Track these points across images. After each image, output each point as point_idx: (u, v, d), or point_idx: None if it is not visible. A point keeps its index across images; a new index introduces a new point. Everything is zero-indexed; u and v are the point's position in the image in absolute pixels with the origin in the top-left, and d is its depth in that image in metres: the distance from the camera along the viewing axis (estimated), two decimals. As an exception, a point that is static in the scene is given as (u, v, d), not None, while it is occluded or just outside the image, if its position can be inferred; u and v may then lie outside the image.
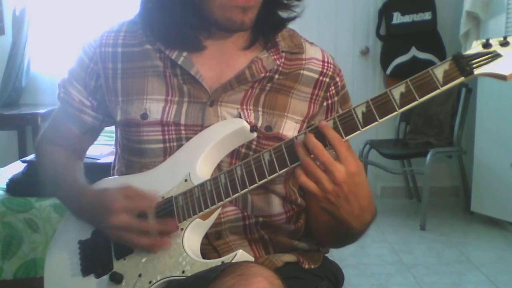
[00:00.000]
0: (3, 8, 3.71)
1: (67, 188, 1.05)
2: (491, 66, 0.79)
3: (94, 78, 1.05)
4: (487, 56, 0.79)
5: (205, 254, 0.94)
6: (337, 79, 1.05)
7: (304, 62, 1.03)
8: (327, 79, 1.04)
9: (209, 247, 0.98)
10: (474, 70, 0.79)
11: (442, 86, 0.80)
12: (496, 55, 0.79)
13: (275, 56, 1.00)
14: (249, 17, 0.93)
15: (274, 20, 1.02)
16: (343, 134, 0.84)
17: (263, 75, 0.99)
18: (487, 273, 2.57)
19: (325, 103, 1.04)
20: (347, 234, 0.93)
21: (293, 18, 1.02)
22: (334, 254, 1.12)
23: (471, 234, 3.16)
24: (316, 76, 1.03)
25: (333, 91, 1.04)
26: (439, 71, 0.80)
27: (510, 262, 2.73)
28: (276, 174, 0.87)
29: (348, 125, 0.84)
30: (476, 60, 0.79)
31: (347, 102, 1.07)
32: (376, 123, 0.83)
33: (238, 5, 0.91)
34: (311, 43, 1.08)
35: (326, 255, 1.12)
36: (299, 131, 1.00)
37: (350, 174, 0.81)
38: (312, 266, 1.05)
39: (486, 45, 0.81)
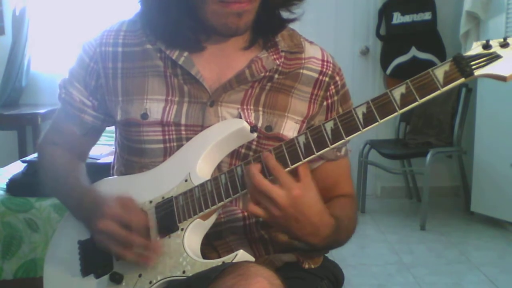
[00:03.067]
0: (3, 8, 3.71)
1: (68, 188, 1.05)
2: (491, 67, 0.79)
3: (94, 78, 1.05)
4: (487, 57, 0.80)
5: (205, 254, 0.93)
6: (337, 78, 1.05)
7: (303, 61, 1.03)
8: (327, 78, 1.03)
9: (209, 247, 0.99)
10: (474, 71, 0.79)
11: (442, 87, 0.80)
12: (496, 56, 0.79)
13: (274, 56, 1.00)
14: (244, 22, 0.93)
15: (274, 20, 1.02)
16: (344, 134, 0.84)
17: (263, 74, 0.99)
18: (487, 273, 2.57)
19: (325, 103, 1.04)
20: (315, 249, 0.98)
21: (293, 20, 1.02)
22: (334, 254, 1.12)
23: (471, 234, 3.16)
24: (316, 75, 1.03)
25: (333, 90, 1.04)
26: (440, 72, 0.80)
27: (510, 262, 2.73)
28: None
29: (348, 125, 0.84)
30: (477, 61, 0.79)
31: (347, 101, 1.07)
32: (376, 123, 0.83)
33: (232, 11, 0.91)
34: (311, 42, 1.08)
35: (326, 255, 1.12)
36: (298, 131, 1.00)
37: (293, 197, 0.84)
38: (312, 266, 1.04)
39: (486, 46, 0.81)
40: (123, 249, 0.89)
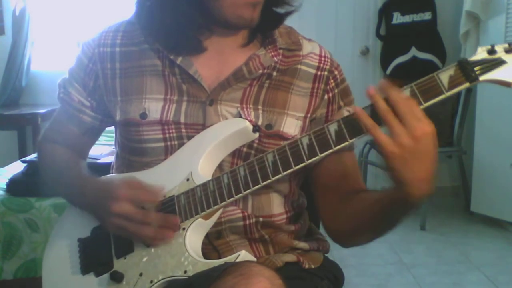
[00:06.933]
0: (3, 8, 3.71)
1: (70, 178, 1.05)
2: (496, 73, 0.80)
3: (93, 79, 1.05)
4: (492, 63, 0.80)
5: (205, 253, 0.93)
6: (336, 72, 1.05)
7: (301, 58, 1.04)
8: (325, 73, 1.04)
9: (209, 246, 0.98)
10: (479, 76, 0.80)
11: (447, 91, 0.80)
12: (501, 62, 0.80)
13: (272, 53, 1.01)
14: (256, 13, 0.95)
15: (272, 15, 1.02)
16: (347, 136, 0.84)
17: (260, 71, 0.99)
18: (487, 273, 2.57)
19: (326, 96, 1.04)
20: (396, 211, 0.92)
21: (290, 13, 1.02)
22: (334, 254, 1.12)
23: (471, 234, 3.16)
24: (313, 71, 1.03)
25: (333, 84, 1.04)
26: (444, 76, 0.80)
27: (510, 262, 2.73)
28: (279, 175, 0.88)
29: (352, 127, 0.84)
30: (481, 67, 0.80)
31: (348, 96, 1.07)
32: (381, 126, 0.82)
33: (248, 1, 0.92)
34: (309, 40, 1.08)
35: (326, 255, 1.12)
36: (302, 128, 1.00)
37: (427, 133, 0.77)
38: (312, 266, 1.04)
39: (491, 51, 0.81)
40: (142, 228, 0.89)
